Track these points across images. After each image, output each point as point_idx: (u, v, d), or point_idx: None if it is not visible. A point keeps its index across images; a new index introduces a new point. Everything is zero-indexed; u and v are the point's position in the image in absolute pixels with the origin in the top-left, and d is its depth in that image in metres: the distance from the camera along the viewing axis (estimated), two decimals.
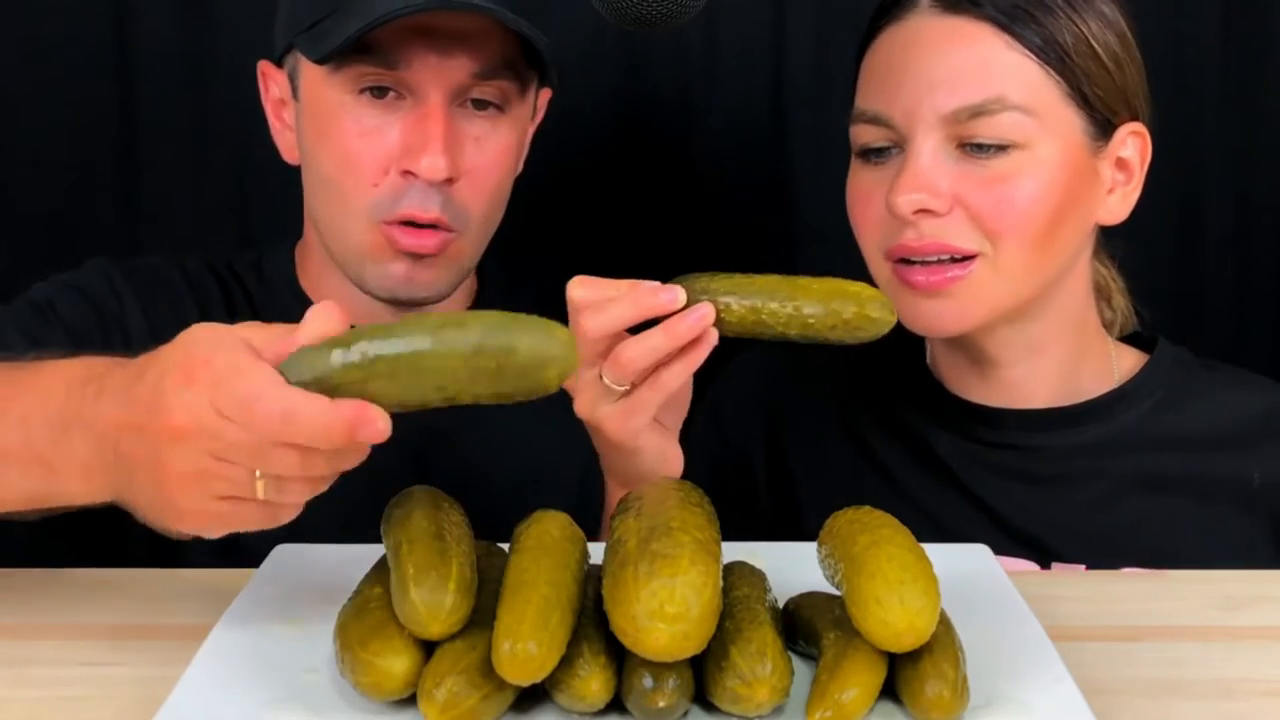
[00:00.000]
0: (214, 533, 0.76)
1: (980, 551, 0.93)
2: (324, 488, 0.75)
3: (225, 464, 0.72)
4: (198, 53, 1.49)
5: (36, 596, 0.93)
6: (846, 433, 1.19)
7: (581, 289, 0.91)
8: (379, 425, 0.70)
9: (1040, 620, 0.81)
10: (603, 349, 0.90)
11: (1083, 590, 0.96)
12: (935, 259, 1.04)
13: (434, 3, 1.04)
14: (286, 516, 0.76)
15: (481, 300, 1.26)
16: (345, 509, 1.09)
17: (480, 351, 0.69)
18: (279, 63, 1.17)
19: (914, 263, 1.05)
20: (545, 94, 1.21)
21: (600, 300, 0.90)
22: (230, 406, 0.70)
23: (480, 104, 1.11)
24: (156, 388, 0.73)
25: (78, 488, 0.80)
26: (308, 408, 0.69)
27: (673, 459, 1.02)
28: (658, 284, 0.89)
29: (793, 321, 0.89)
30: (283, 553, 0.93)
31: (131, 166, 1.52)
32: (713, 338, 0.89)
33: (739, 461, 1.23)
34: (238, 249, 1.31)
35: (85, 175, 1.52)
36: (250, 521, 0.75)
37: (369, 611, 0.75)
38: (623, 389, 0.91)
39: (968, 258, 1.04)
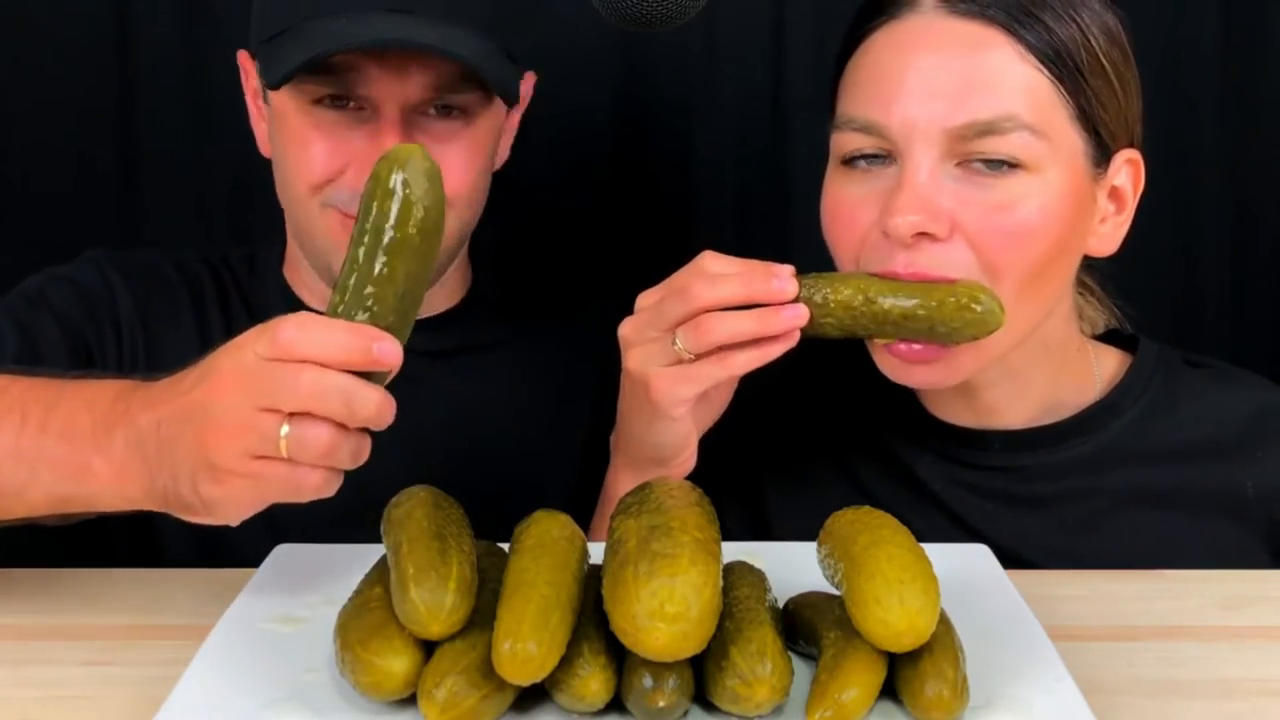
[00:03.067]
0: (243, 502, 0.78)
1: (980, 551, 0.93)
2: (339, 459, 0.76)
3: (260, 414, 0.74)
4: (198, 53, 1.49)
5: (36, 596, 0.94)
6: (828, 457, 1.15)
7: (704, 287, 0.92)
8: (391, 348, 0.76)
9: (1040, 620, 0.81)
10: (686, 317, 0.93)
11: (1083, 590, 0.95)
12: None
13: (378, 41, 1.03)
14: (307, 487, 0.77)
15: (474, 293, 1.26)
16: (343, 509, 1.09)
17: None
18: (254, 57, 1.17)
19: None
20: (529, 79, 1.20)
21: (716, 275, 0.93)
22: (266, 342, 0.74)
23: (445, 109, 1.10)
24: (204, 366, 0.78)
25: (109, 488, 0.82)
26: (331, 320, 0.76)
27: (688, 456, 1.02)
28: (774, 267, 0.93)
29: (901, 315, 0.93)
30: (283, 553, 0.93)
31: (131, 166, 1.52)
32: (794, 338, 0.92)
33: (698, 481, 1.19)
34: (238, 247, 1.31)
35: (85, 173, 1.52)
36: (276, 486, 0.76)
37: (369, 611, 0.75)
38: (687, 357, 0.93)
39: None
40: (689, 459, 1.02)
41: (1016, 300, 0.97)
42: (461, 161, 1.11)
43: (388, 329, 0.77)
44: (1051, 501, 1.08)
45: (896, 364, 1.01)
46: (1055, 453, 1.08)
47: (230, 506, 0.78)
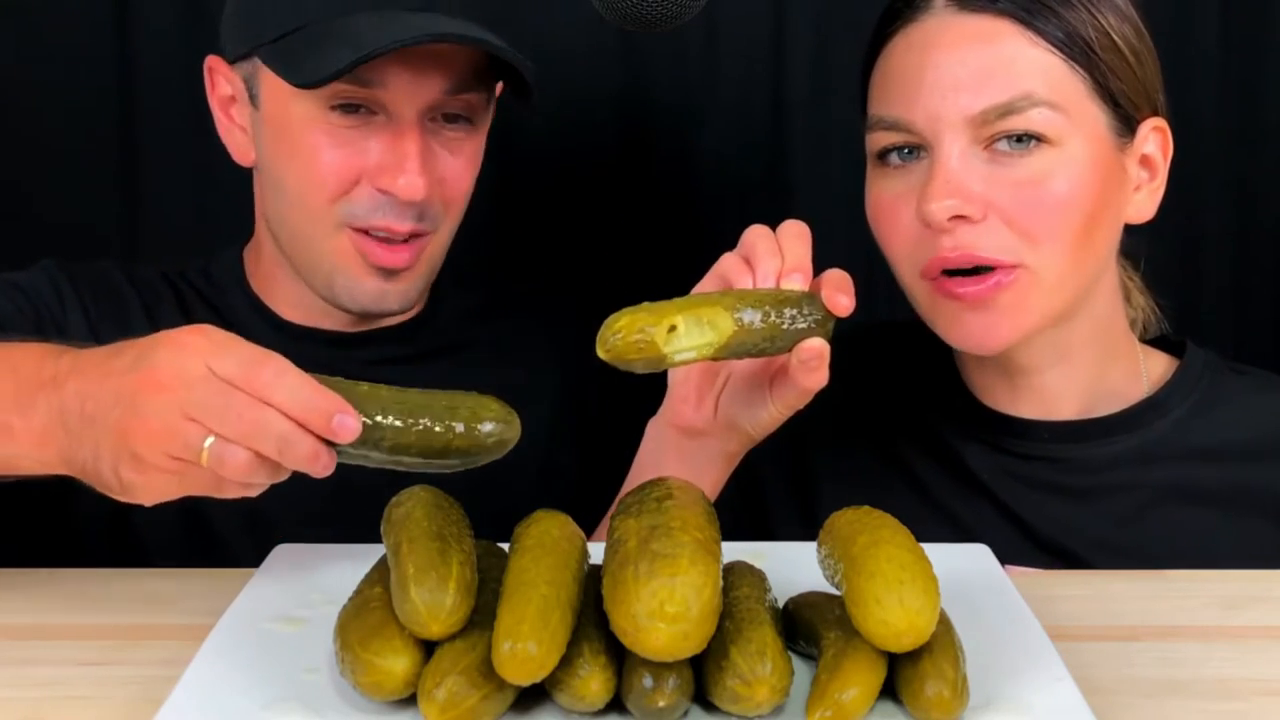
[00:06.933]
0: (163, 490, 0.79)
1: (980, 551, 0.93)
2: (257, 479, 0.76)
3: (189, 423, 0.74)
4: (198, 53, 1.48)
5: (36, 596, 0.94)
6: (875, 444, 1.17)
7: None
8: (352, 424, 0.75)
9: (1040, 620, 0.81)
10: None
11: (1083, 590, 0.96)
12: (973, 269, 1.01)
13: (426, 37, 1.03)
14: (227, 489, 0.78)
15: (441, 297, 1.24)
16: (323, 512, 1.09)
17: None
18: (231, 61, 1.15)
19: (954, 274, 1.02)
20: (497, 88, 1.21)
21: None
22: (234, 366, 0.75)
23: (450, 117, 1.12)
24: (142, 353, 0.77)
25: (28, 451, 0.83)
26: (303, 374, 0.75)
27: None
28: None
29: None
30: (283, 553, 0.93)
31: (131, 166, 1.52)
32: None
33: (747, 471, 1.21)
34: (191, 260, 1.30)
35: (85, 175, 1.52)
36: (195, 484, 0.78)
37: (369, 611, 0.75)
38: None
39: (1008, 267, 1.01)
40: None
41: (1061, 265, 1.02)
42: (467, 168, 1.14)
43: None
44: (1097, 494, 1.10)
45: (970, 332, 1.04)
46: (1102, 446, 1.11)
47: (148, 493, 0.79)
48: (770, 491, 1.20)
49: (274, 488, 1.12)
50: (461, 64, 1.09)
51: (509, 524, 0.81)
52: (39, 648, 0.86)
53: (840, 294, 0.91)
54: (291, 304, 1.20)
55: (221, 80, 1.17)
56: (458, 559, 0.73)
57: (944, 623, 0.73)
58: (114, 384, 0.77)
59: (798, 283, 0.92)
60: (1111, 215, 1.05)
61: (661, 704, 0.69)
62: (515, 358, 1.24)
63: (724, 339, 0.86)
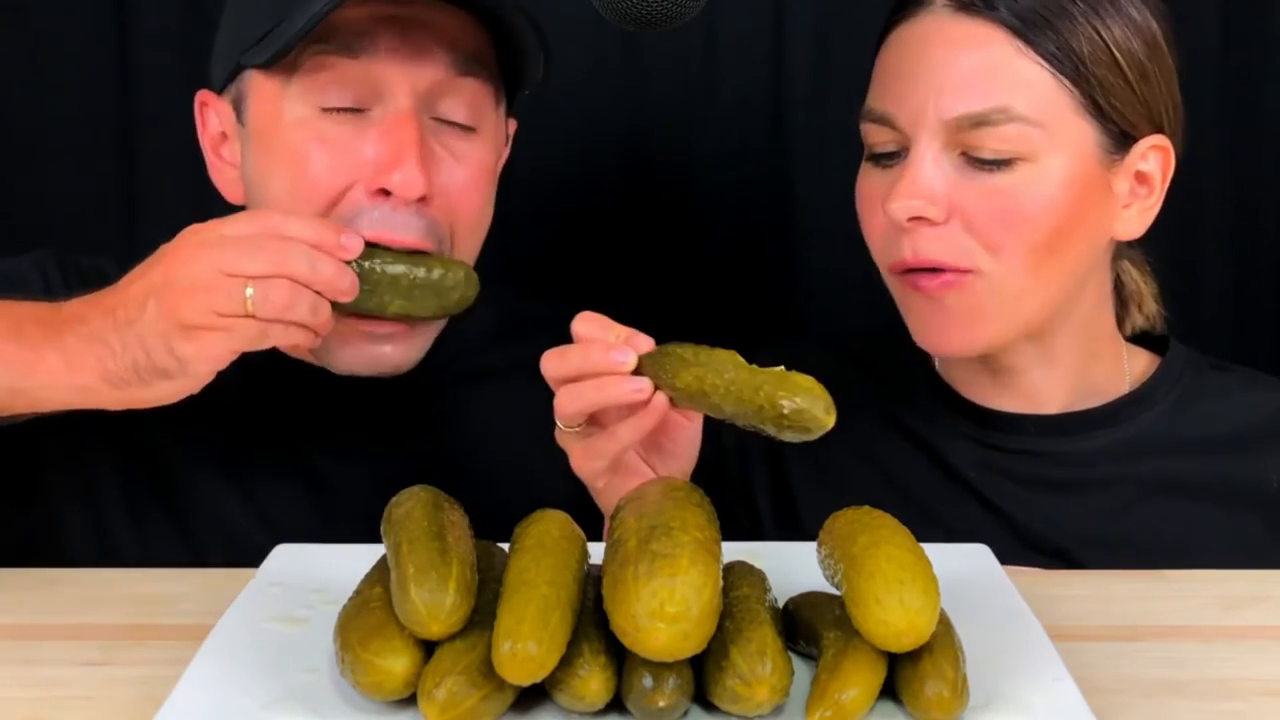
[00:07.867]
0: (217, 354, 0.86)
1: (980, 551, 0.93)
2: (297, 314, 0.86)
3: (226, 278, 0.83)
4: (198, 53, 1.49)
5: (36, 596, 0.94)
6: (858, 449, 1.17)
7: (554, 362, 0.90)
8: (357, 240, 0.91)
9: (1040, 620, 0.81)
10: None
11: (1083, 590, 0.95)
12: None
13: None
14: (273, 335, 0.87)
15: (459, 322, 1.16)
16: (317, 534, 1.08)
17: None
18: (220, 88, 1.08)
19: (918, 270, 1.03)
20: (512, 125, 1.15)
21: (572, 372, 0.90)
22: (235, 222, 0.87)
23: (451, 123, 1.03)
24: (155, 257, 0.88)
25: (60, 379, 0.88)
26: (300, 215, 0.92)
27: None
28: (626, 361, 0.88)
29: (729, 406, 0.85)
30: (283, 553, 0.93)
31: (131, 166, 1.52)
32: (659, 407, 0.88)
33: (739, 470, 1.21)
34: None
35: (85, 175, 1.52)
36: (245, 336, 0.86)
37: (369, 611, 0.75)
38: (575, 429, 0.93)
39: (959, 271, 1.02)
40: None
41: (1020, 277, 1.02)
42: (476, 181, 1.04)
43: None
44: (1082, 488, 1.11)
45: (928, 331, 1.06)
46: (1087, 439, 1.11)
47: (203, 361, 0.87)
48: (760, 501, 1.20)
49: (271, 494, 1.12)
50: (461, 43, 1.01)
51: (507, 524, 0.81)
52: (40, 648, 0.86)
53: None
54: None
55: (212, 115, 1.10)
56: (458, 559, 0.73)
57: (944, 623, 0.73)
58: (140, 287, 0.85)
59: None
60: (1087, 232, 1.05)
61: (661, 704, 0.69)
62: (536, 382, 1.17)
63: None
